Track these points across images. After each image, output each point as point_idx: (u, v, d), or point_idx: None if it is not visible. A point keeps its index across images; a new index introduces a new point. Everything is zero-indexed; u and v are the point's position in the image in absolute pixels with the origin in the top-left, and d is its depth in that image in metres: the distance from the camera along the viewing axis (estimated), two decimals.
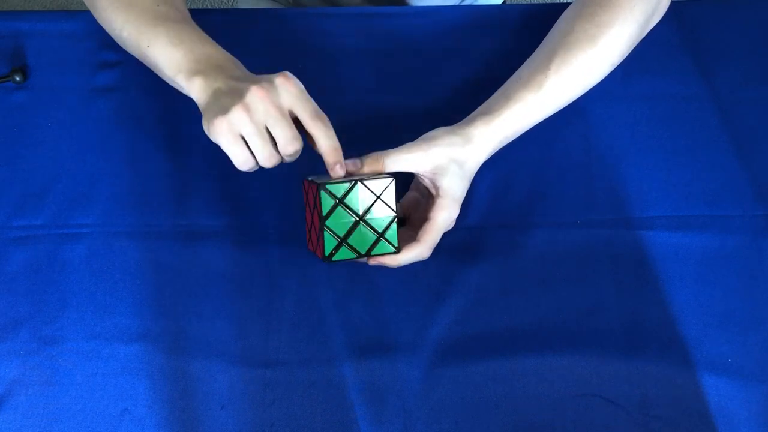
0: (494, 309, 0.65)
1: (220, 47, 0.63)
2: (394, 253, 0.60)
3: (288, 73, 0.58)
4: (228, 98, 0.57)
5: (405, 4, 0.85)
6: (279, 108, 0.57)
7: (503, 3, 0.93)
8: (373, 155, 0.61)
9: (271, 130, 0.57)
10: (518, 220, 0.69)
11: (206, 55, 0.61)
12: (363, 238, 0.60)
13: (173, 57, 0.62)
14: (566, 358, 0.64)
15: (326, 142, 0.58)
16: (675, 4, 0.72)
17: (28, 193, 0.70)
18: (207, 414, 0.62)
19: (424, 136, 0.63)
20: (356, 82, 0.73)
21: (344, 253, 0.60)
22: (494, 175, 0.70)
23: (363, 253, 0.60)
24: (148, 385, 0.63)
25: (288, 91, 0.57)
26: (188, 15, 0.68)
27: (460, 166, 0.62)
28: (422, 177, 0.63)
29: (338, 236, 0.59)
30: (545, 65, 0.65)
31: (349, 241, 0.59)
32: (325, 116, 0.59)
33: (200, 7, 1.67)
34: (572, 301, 0.66)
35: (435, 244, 0.62)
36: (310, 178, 0.61)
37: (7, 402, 0.63)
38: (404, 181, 0.67)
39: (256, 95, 0.56)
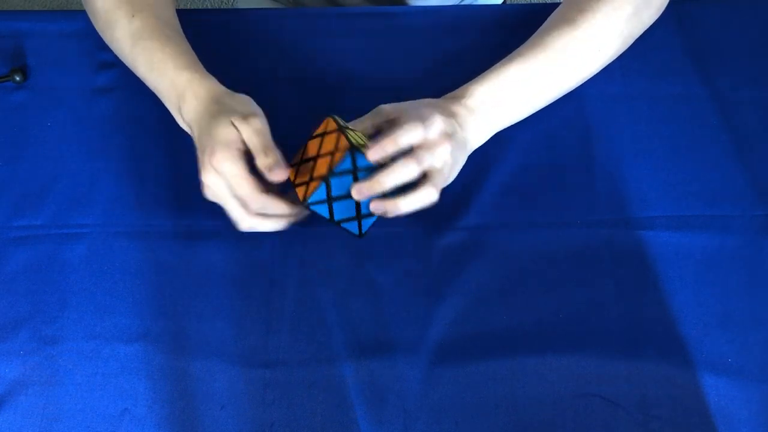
0: (494, 309, 0.66)
1: (185, 67, 0.62)
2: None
3: (215, 155, 0.57)
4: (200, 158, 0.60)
5: (405, 4, 0.85)
6: (225, 186, 0.58)
7: (503, 3, 0.93)
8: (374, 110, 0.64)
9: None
10: (518, 220, 0.69)
11: (170, 82, 0.62)
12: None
13: (152, 83, 0.64)
14: (566, 358, 0.64)
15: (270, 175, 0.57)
16: (675, 4, 0.72)
17: (28, 193, 0.70)
18: (207, 414, 0.62)
19: None
20: (356, 82, 0.73)
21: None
22: (494, 175, 0.70)
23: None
24: (148, 385, 0.63)
25: (222, 173, 0.57)
26: (160, 20, 0.66)
27: (442, 110, 0.62)
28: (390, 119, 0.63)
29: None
30: (521, 45, 0.66)
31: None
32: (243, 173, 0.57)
33: (200, 7, 1.67)
34: (572, 301, 0.66)
35: (424, 120, 0.59)
36: (340, 121, 0.61)
37: (7, 402, 0.63)
38: None
39: (205, 181, 0.58)
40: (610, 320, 0.65)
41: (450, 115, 0.62)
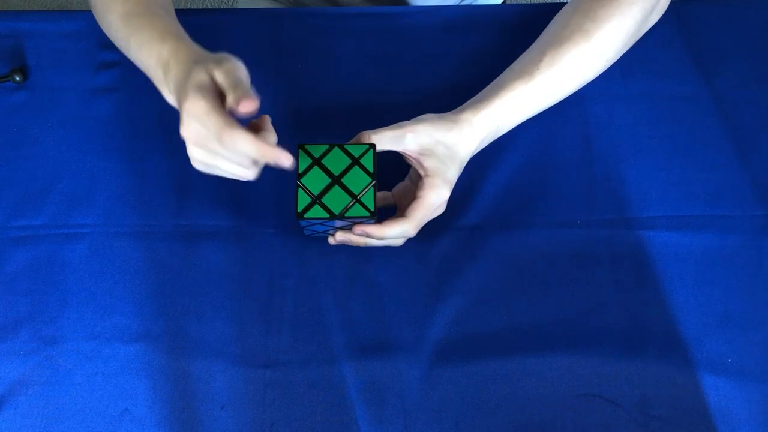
0: (494, 309, 0.66)
1: (170, 36, 0.60)
2: (370, 217, 0.59)
3: (189, 100, 0.53)
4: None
5: (405, 4, 0.85)
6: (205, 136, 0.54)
7: (503, 3, 0.93)
8: (359, 135, 0.61)
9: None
10: (518, 220, 0.69)
11: (157, 55, 0.60)
12: (338, 199, 0.59)
13: (143, 62, 0.62)
14: (566, 358, 0.64)
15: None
16: (675, 4, 0.72)
17: (28, 193, 0.70)
18: (207, 414, 0.62)
19: (411, 119, 0.63)
20: (356, 82, 0.73)
21: (316, 212, 0.59)
22: (494, 175, 0.70)
23: (336, 213, 0.59)
24: (148, 385, 0.63)
25: (195, 114, 0.53)
26: (153, 1, 0.65)
27: (447, 148, 0.62)
28: (409, 158, 0.62)
29: (312, 194, 0.59)
30: (538, 57, 0.65)
31: (323, 200, 0.59)
32: (233, 127, 0.53)
33: (200, 7, 1.67)
34: (572, 301, 0.66)
35: (422, 223, 0.62)
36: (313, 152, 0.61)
37: (7, 402, 0.63)
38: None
39: (183, 134, 0.55)
40: (610, 320, 0.65)
41: (459, 136, 0.62)
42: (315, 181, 0.59)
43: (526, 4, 0.78)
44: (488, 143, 0.66)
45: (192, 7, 1.67)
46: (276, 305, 0.66)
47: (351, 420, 0.62)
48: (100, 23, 0.69)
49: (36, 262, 0.67)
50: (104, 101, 0.73)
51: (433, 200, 0.61)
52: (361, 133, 0.61)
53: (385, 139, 0.61)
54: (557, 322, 0.65)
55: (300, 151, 0.60)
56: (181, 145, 0.71)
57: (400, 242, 0.64)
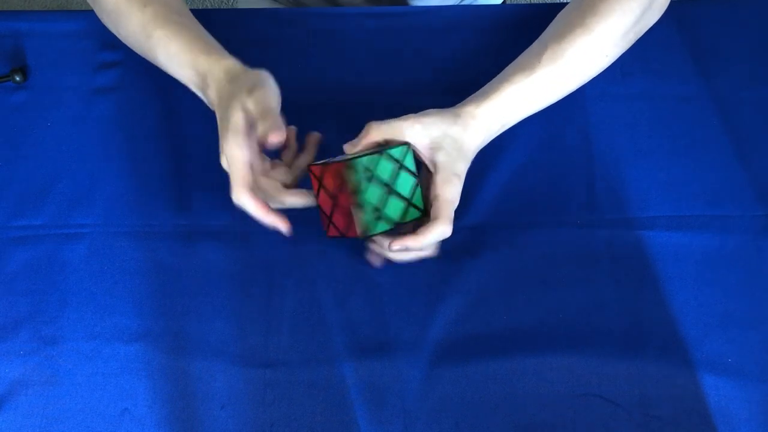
0: (494, 309, 0.66)
1: (201, 49, 0.62)
2: (420, 217, 0.59)
3: (226, 140, 0.57)
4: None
5: (405, 4, 0.85)
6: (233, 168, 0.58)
7: (503, 3, 0.93)
8: (366, 126, 0.61)
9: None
10: (518, 220, 0.69)
11: (191, 68, 0.62)
12: (394, 207, 0.59)
13: (175, 72, 0.64)
14: (566, 358, 0.64)
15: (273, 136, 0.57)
16: (675, 4, 0.72)
17: (28, 193, 0.70)
18: (207, 414, 0.62)
19: (416, 113, 0.62)
20: (356, 82, 0.73)
21: (381, 226, 0.58)
22: (494, 174, 0.70)
23: (397, 220, 0.59)
24: (148, 385, 0.63)
25: (227, 156, 0.57)
26: (170, 8, 0.66)
27: (454, 140, 0.61)
28: (420, 154, 0.62)
29: (375, 209, 0.58)
30: (540, 51, 0.65)
31: (385, 212, 0.58)
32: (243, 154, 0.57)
33: (200, 7, 1.67)
34: (572, 301, 0.66)
35: (452, 219, 0.61)
36: (318, 163, 0.60)
37: (7, 402, 0.63)
38: None
39: (221, 160, 0.58)
40: (610, 320, 0.65)
41: (463, 129, 0.62)
42: (371, 195, 0.58)
43: (526, 4, 0.78)
44: (492, 138, 0.66)
45: (192, 7, 1.67)
46: (276, 305, 0.66)
47: (351, 420, 0.62)
48: (114, 32, 0.69)
49: (36, 262, 0.67)
50: (104, 101, 0.73)
51: (453, 195, 0.61)
52: (369, 123, 0.61)
53: (390, 128, 0.61)
54: (557, 322, 0.65)
55: (349, 168, 0.57)
56: (181, 145, 0.71)
57: (432, 250, 0.64)
